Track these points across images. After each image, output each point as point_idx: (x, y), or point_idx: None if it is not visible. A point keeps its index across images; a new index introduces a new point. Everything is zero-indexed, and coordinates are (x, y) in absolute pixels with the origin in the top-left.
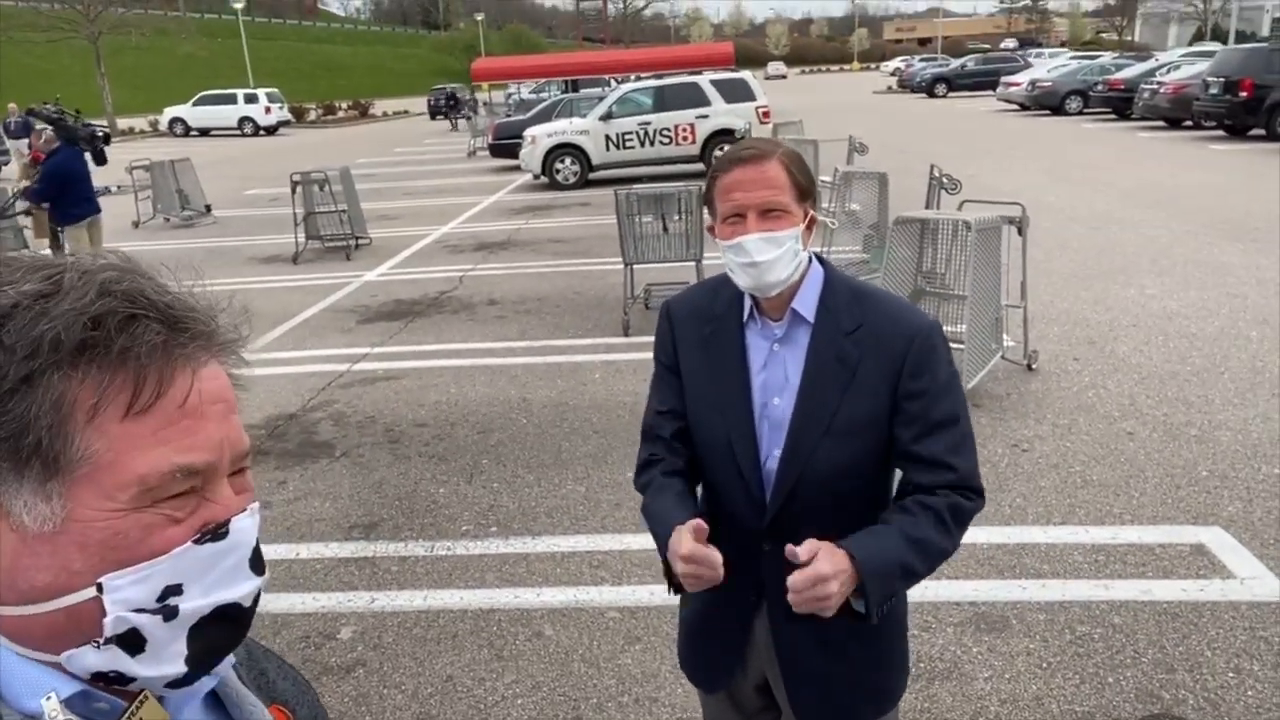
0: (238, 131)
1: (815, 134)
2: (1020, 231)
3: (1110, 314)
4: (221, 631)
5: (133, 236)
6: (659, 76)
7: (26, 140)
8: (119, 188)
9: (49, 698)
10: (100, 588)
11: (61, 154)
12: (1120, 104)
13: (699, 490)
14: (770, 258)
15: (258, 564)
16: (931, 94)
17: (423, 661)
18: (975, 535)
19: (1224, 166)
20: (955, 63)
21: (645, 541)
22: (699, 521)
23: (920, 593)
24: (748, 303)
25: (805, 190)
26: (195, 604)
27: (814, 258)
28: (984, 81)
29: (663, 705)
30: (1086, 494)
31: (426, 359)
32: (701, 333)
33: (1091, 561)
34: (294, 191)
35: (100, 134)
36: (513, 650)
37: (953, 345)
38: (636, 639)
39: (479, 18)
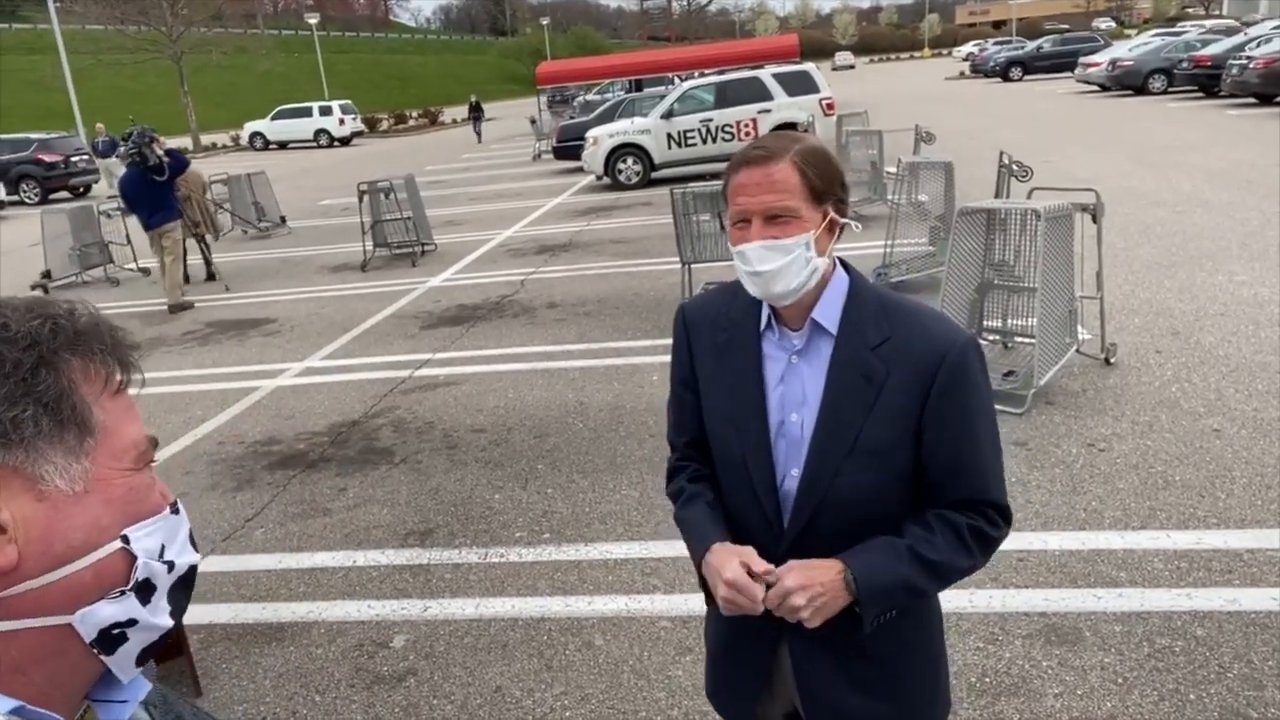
0: (314, 143)
1: (882, 124)
2: (1095, 219)
3: (1196, 303)
4: (185, 593)
5: (214, 248)
6: (722, 73)
7: (115, 158)
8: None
9: None
10: (126, 539)
11: (126, 174)
12: (1207, 81)
13: None
14: (774, 267)
15: (194, 541)
16: (1006, 78)
17: (473, 671)
18: (1046, 541)
19: None
20: (1031, 45)
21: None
22: (751, 550)
23: (986, 602)
24: (765, 310)
25: (823, 192)
26: (180, 560)
27: (838, 264)
28: (1061, 63)
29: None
30: (1168, 496)
31: (486, 364)
32: (716, 340)
33: (1173, 569)
34: (361, 200)
35: (151, 160)
36: (562, 661)
37: (1023, 340)
38: (688, 650)
39: (544, 22)
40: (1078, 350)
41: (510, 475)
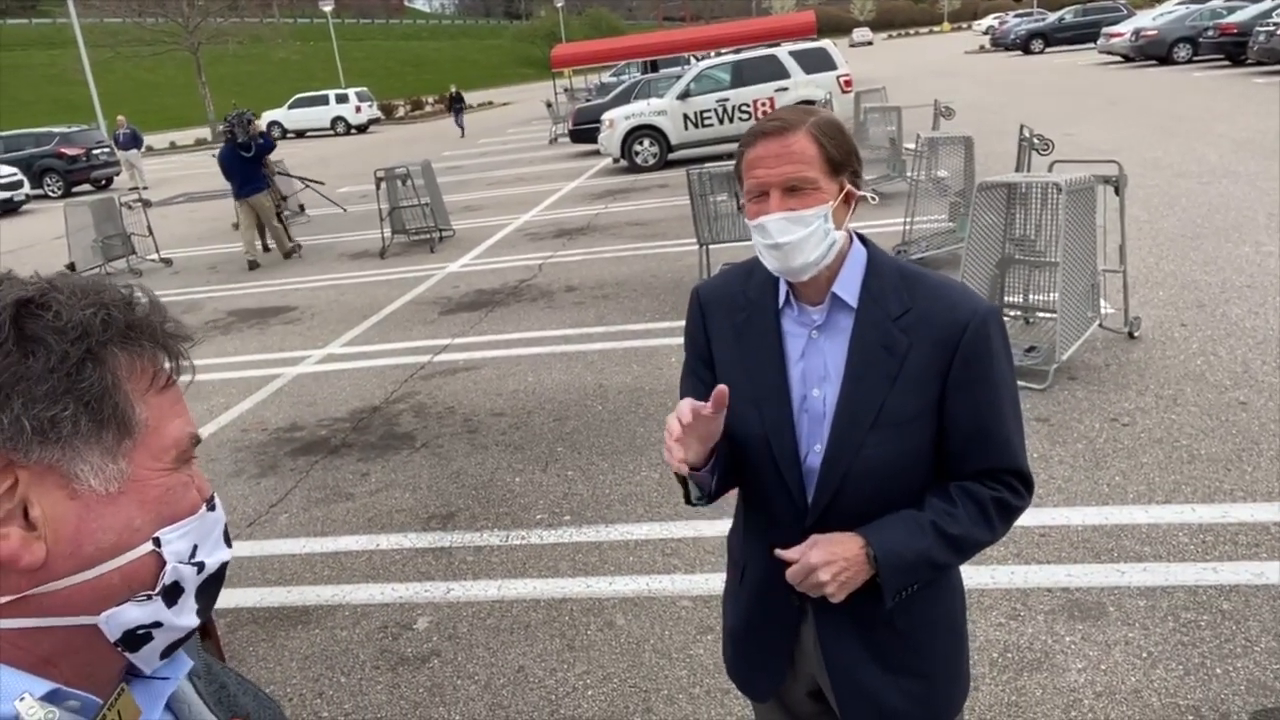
0: (331, 131)
1: (901, 100)
2: (1118, 191)
3: (1222, 275)
4: (214, 589)
5: (233, 237)
6: (738, 52)
7: (136, 150)
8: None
9: (22, 699)
10: (158, 541)
11: (222, 149)
12: (1234, 49)
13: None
14: (794, 239)
15: (227, 537)
16: (1027, 51)
17: (496, 652)
18: (1069, 516)
19: None
20: (1052, 16)
21: (719, 529)
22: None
23: (1008, 578)
24: (783, 287)
25: (840, 163)
26: (211, 559)
27: (855, 237)
28: (1084, 34)
29: (735, 697)
30: (1194, 469)
31: (505, 348)
32: (734, 320)
33: (1198, 543)
34: (378, 187)
35: (240, 138)
36: (584, 640)
37: (1045, 315)
38: (709, 629)
39: (559, 4)
40: (1100, 325)
41: (530, 458)
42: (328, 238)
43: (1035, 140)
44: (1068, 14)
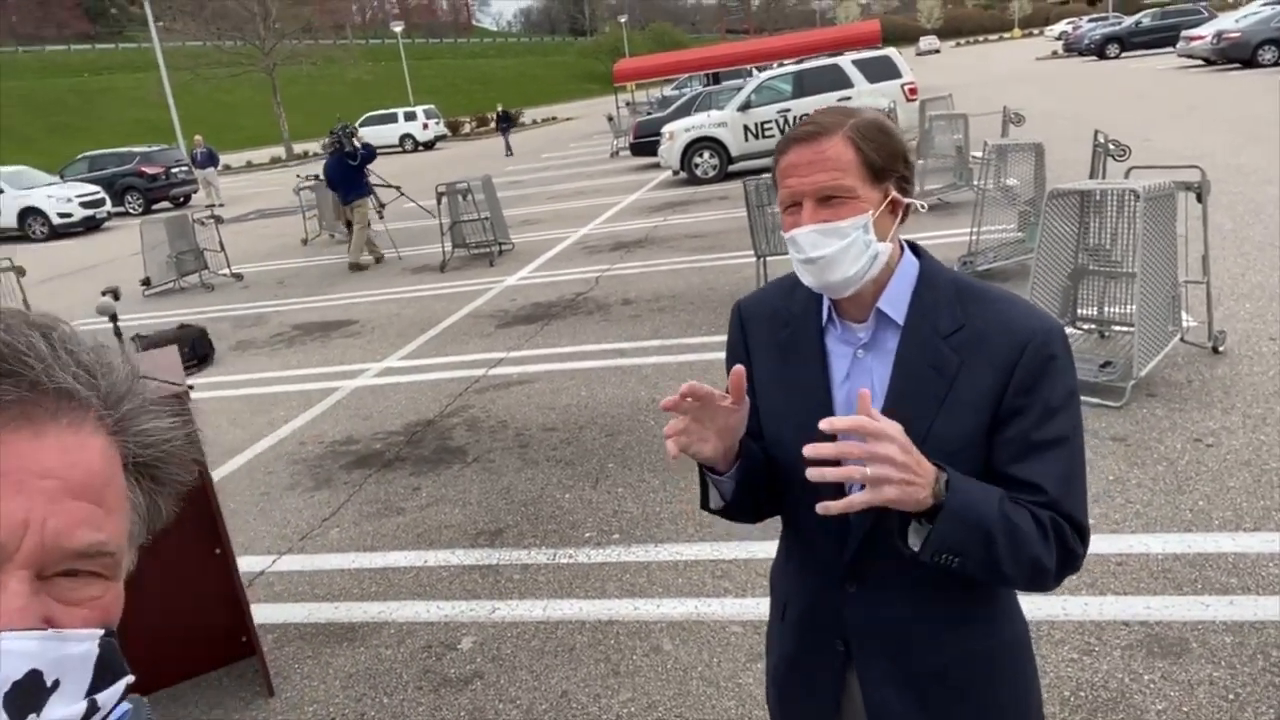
0: (399, 148)
1: (968, 108)
2: (1200, 198)
3: None
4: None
5: (300, 253)
6: (800, 62)
7: (212, 168)
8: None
9: None
10: None
11: (328, 160)
12: None
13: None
14: (828, 253)
15: (113, 667)
16: (1102, 55)
17: (539, 675)
18: (1148, 543)
19: None
20: (1129, 20)
21: (772, 550)
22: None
23: (1081, 610)
24: (826, 303)
25: (882, 169)
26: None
27: (907, 248)
28: (1162, 38)
29: None
30: None
31: (560, 362)
32: (776, 338)
33: None
34: (439, 202)
35: (347, 148)
36: (630, 665)
37: (1121, 328)
38: (759, 656)
39: (622, 20)
40: (1182, 339)
41: (581, 474)
42: (389, 252)
43: (1111, 146)
44: (1145, 18)
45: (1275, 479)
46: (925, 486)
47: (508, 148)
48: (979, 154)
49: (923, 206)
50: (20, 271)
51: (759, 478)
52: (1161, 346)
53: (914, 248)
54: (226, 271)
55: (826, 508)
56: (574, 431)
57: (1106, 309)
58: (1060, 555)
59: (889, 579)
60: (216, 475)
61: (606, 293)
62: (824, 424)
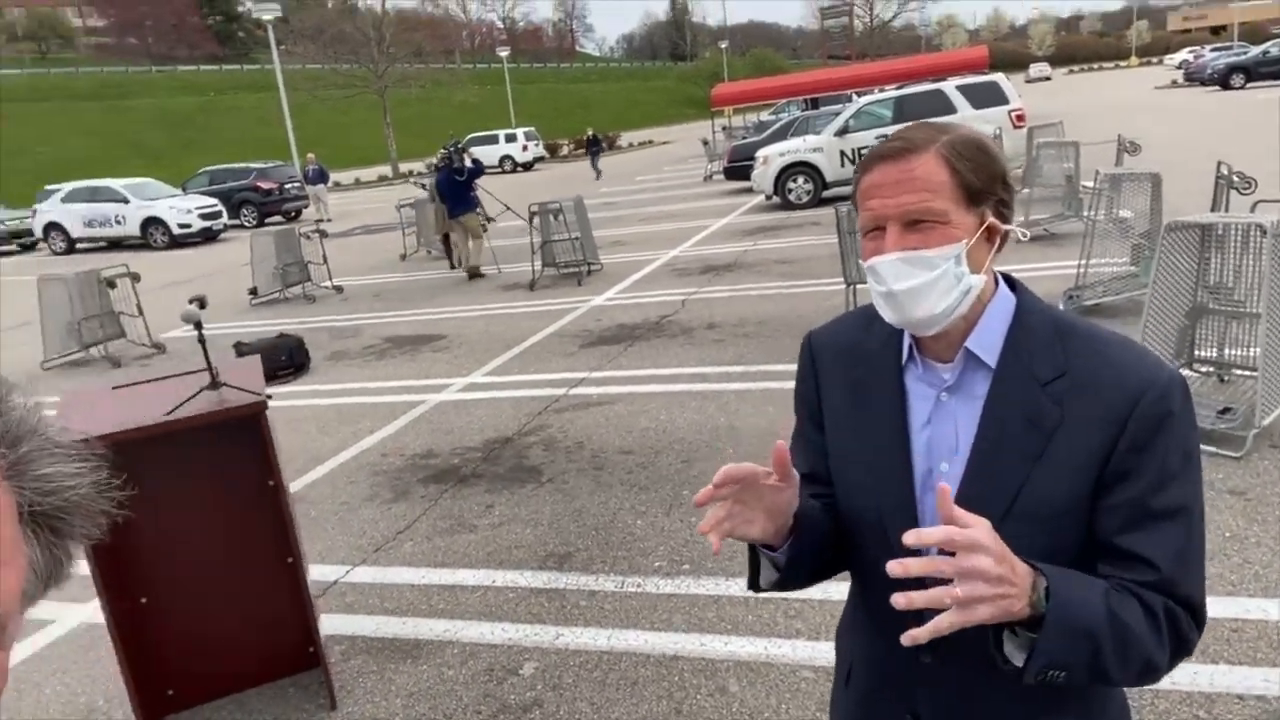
0: (499, 169)
1: (1080, 136)
2: None
3: None
4: None
5: (398, 267)
6: (901, 88)
7: (323, 185)
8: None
9: None
10: None
11: (439, 174)
12: None
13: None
14: (913, 285)
15: None
16: (1226, 86)
17: (599, 708)
18: (1268, 608)
19: None
20: (1255, 50)
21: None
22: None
23: (1191, 679)
24: (907, 339)
25: (980, 191)
26: None
27: (1002, 281)
28: None
29: None
30: None
31: (640, 384)
32: (851, 376)
33: None
34: (531, 221)
35: (455, 164)
36: (693, 706)
37: (1243, 373)
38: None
39: (723, 45)
40: None
41: (654, 500)
42: (490, 269)
43: (1235, 178)
44: (1273, 47)
45: None
46: (1021, 597)
47: (596, 171)
48: (1090, 183)
49: (1024, 235)
50: (135, 278)
51: (820, 544)
52: None
53: (1009, 281)
54: (328, 284)
55: (913, 637)
56: (650, 456)
57: (1227, 351)
58: (1173, 645)
59: (970, 651)
60: (302, 482)
61: (692, 316)
62: (908, 538)
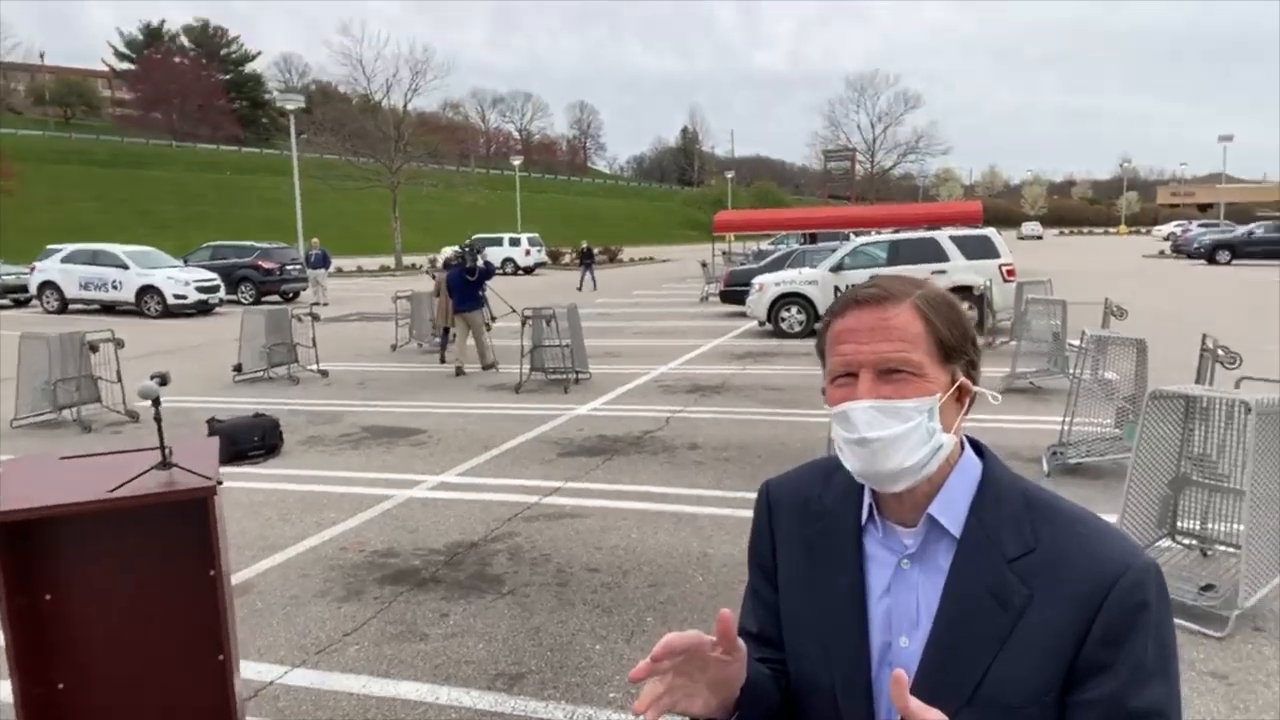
0: (501, 271)
1: (1068, 296)
2: None
3: None
4: None
5: (388, 358)
6: (897, 232)
7: (324, 270)
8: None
9: None
10: None
11: (451, 270)
12: None
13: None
14: (886, 435)
15: None
16: (1212, 260)
17: None
18: None
19: None
20: (1241, 229)
21: None
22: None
23: None
24: (868, 498)
25: (953, 348)
26: None
27: (969, 445)
28: (1277, 250)
29: None
30: None
31: (615, 499)
32: (806, 532)
33: None
34: (523, 324)
35: (468, 263)
36: None
37: (1225, 548)
38: None
39: (729, 175)
40: None
41: (617, 625)
42: (471, 367)
43: (1220, 352)
44: (1258, 228)
45: None
46: None
47: (591, 283)
48: (1076, 342)
49: (996, 398)
50: (119, 343)
51: (771, 715)
52: (1272, 576)
53: (976, 446)
54: (314, 367)
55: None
56: (617, 576)
57: (1210, 524)
58: None
59: None
60: (253, 570)
61: (675, 434)
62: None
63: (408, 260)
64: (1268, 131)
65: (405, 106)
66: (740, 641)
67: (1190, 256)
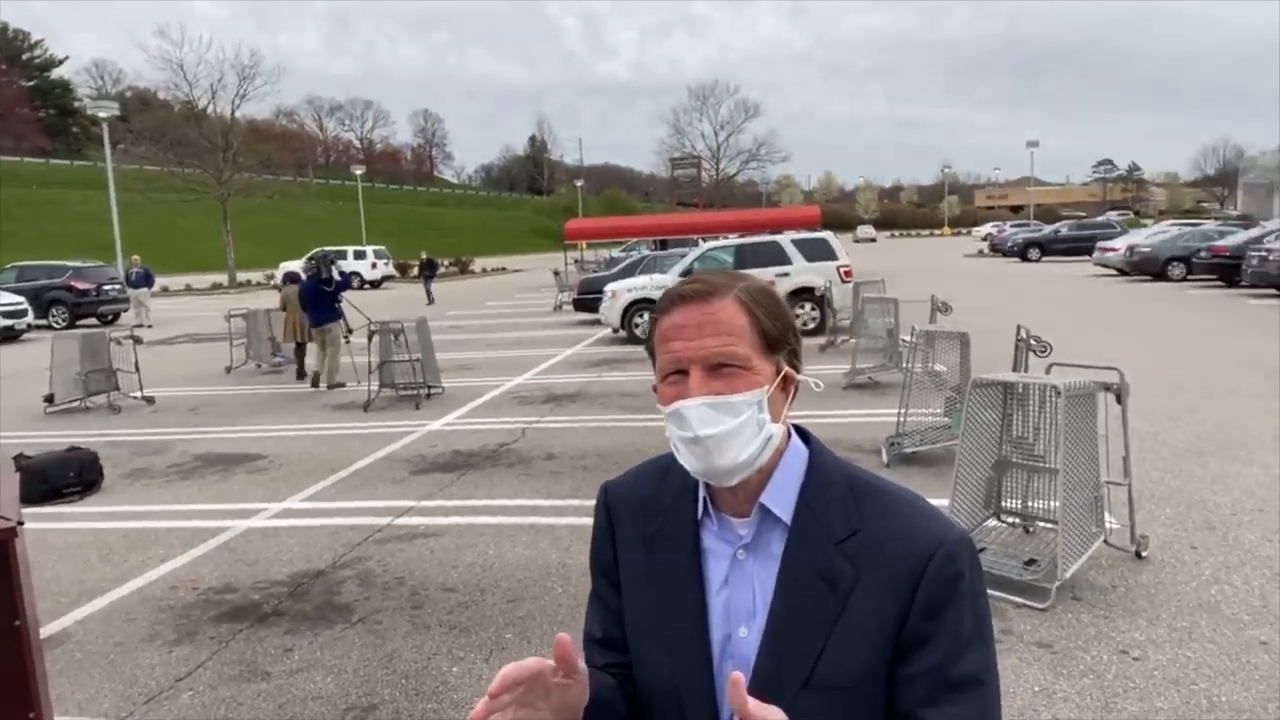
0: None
1: (901, 294)
2: (1119, 399)
3: (1231, 495)
4: None
5: (222, 380)
6: (743, 237)
7: (146, 289)
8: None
9: None
10: None
11: (304, 284)
12: (1227, 271)
13: None
14: (719, 431)
15: None
16: (1024, 258)
17: None
18: None
19: None
20: (1048, 228)
21: None
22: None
23: None
24: (702, 492)
25: (776, 338)
26: None
27: (795, 433)
28: (1079, 247)
29: None
30: (1213, 719)
31: (471, 515)
32: (644, 531)
33: None
34: (370, 340)
35: (324, 274)
36: None
37: (1045, 524)
38: None
39: (579, 184)
40: (1106, 541)
41: (474, 644)
42: (310, 386)
43: (1033, 341)
44: (1063, 227)
45: (1205, 701)
46: None
47: (429, 296)
48: (908, 338)
49: (818, 385)
50: None
51: None
52: (1086, 547)
53: (802, 433)
54: (138, 394)
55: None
56: (474, 594)
57: (1031, 503)
58: None
59: None
60: (70, 619)
61: (531, 445)
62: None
63: (243, 276)
64: (1070, 138)
65: (233, 113)
66: (580, 664)
67: (1006, 255)
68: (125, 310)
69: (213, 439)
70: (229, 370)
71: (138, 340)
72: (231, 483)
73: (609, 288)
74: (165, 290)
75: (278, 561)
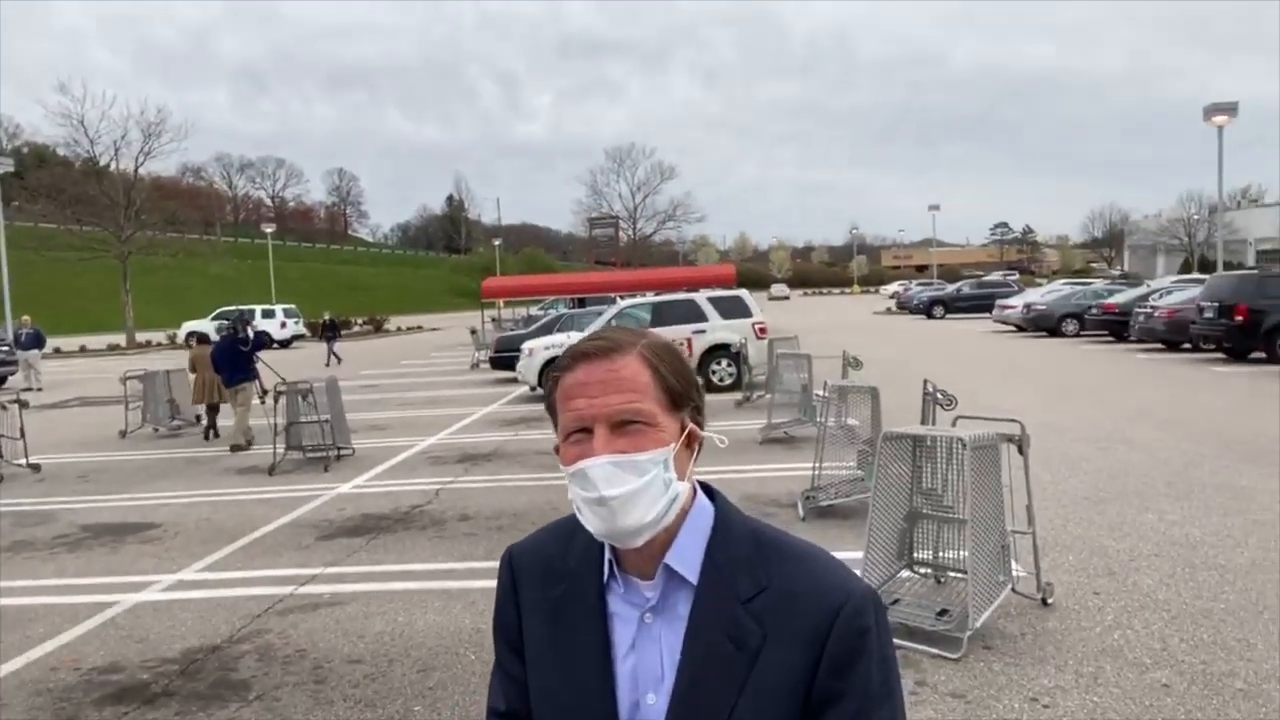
0: None
1: (813, 350)
2: (1021, 450)
3: (1129, 541)
4: None
5: (117, 446)
6: (660, 294)
7: (36, 351)
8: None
9: None
10: None
11: (219, 343)
12: (1116, 327)
13: None
14: (626, 491)
15: None
16: (929, 315)
17: None
18: None
19: (1228, 388)
20: (951, 287)
21: None
22: None
23: None
24: (608, 554)
25: (680, 395)
26: None
27: (701, 490)
28: (980, 304)
29: None
30: None
31: (380, 581)
32: (550, 595)
33: None
34: (276, 401)
35: (240, 334)
36: None
37: (955, 574)
38: None
39: (496, 243)
40: (1013, 589)
41: (381, 719)
42: (217, 450)
43: (939, 395)
44: (965, 286)
45: None
46: None
47: (333, 357)
48: (821, 392)
49: (721, 441)
50: None
51: None
52: (995, 596)
53: (707, 489)
54: (22, 461)
55: None
56: (382, 666)
57: (942, 553)
58: None
59: None
60: None
61: (445, 507)
62: None
63: (143, 336)
64: (969, 202)
65: (137, 170)
66: None
67: (912, 312)
68: (13, 373)
69: (103, 508)
70: (124, 435)
71: (24, 404)
72: (122, 554)
73: (526, 345)
74: (58, 351)
75: (169, 637)
